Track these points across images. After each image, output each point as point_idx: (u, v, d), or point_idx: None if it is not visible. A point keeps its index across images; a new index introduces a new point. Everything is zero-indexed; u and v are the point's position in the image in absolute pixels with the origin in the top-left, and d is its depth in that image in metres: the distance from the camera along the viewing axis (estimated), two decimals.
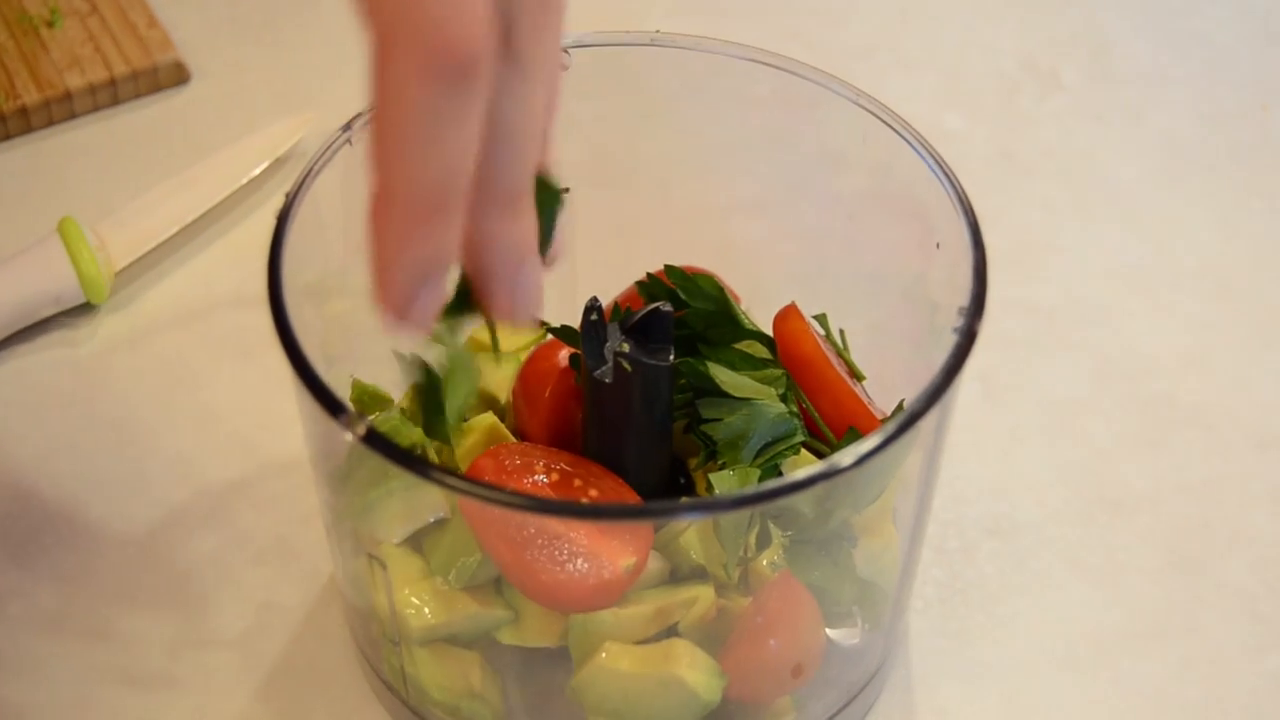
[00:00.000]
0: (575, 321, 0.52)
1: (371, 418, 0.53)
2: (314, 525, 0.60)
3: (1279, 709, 0.56)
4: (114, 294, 0.68)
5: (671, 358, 0.49)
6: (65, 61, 0.76)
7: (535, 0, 0.38)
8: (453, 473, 0.46)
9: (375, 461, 0.45)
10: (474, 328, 0.48)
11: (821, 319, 0.56)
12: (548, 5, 0.39)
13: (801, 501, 0.48)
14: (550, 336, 0.57)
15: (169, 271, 0.70)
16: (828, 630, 0.52)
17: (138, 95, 0.77)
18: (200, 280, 0.69)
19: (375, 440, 0.43)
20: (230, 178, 0.72)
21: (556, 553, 0.47)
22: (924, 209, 0.51)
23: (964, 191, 0.49)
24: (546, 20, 0.39)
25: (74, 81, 0.75)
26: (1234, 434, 0.64)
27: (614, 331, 0.50)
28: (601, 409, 0.50)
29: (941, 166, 0.50)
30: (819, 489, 0.43)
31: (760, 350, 0.53)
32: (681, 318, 0.53)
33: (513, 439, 0.53)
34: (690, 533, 0.49)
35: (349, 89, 0.61)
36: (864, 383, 0.56)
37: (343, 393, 0.53)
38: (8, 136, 0.75)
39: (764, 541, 0.49)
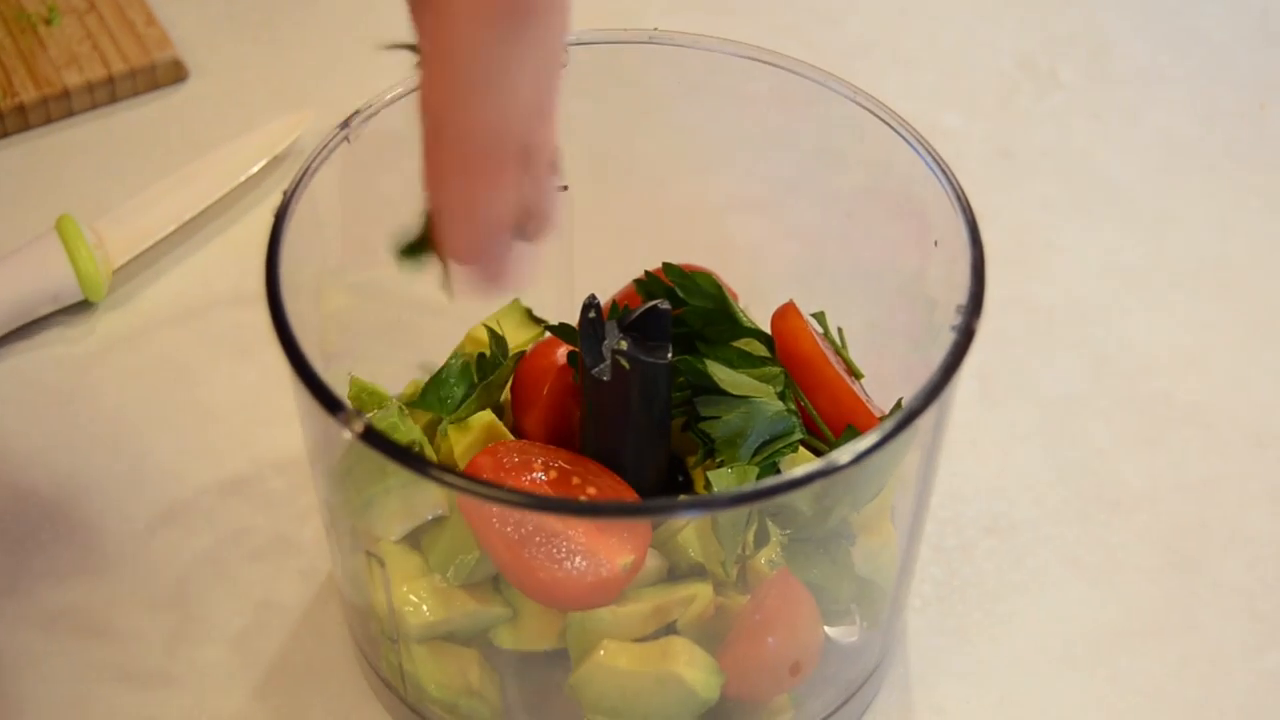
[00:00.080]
0: (573, 319, 0.52)
1: (369, 415, 0.53)
2: (312, 523, 0.60)
3: (1277, 707, 0.56)
4: (112, 292, 0.68)
5: (669, 355, 0.49)
6: (63, 59, 0.76)
7: None
8: (451, 470, 0.46)
9: (373, 459, 0.45)
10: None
11: (819, 317, 0.56)
12: None
13: (800, 499, 0.48)
14: (548, 334, 0.57)
15: (167, 269, 0.70)
16: (826, 628, 0.52)
17: (135, 93, 0.77)
18: (198, 278, 0.69)
19: (373, 438, 0.43)
20: (228, 175, 0.72)
21: (554, 550, 0.47)
22: (922, 207, 0.51)
23: (962, 190, 0.49)
24: None
25: (72, 79, 0.75)
26: (1232, 433, 0.64)
27: (612, 329, 0.50)
28: (600, 407, 0.51)
29: (940, 165, 0.50)
30: (817, 487, 0.43)
31: (758, 348, 0.53)
32: (679, 315, 0.53)
33: (511, 437, 0.53)
34: (688, 530, 0.49)
35: (347, 87, 0.61)
36: (862, 381, 0.56)
37: (341, 390, 0.53)
38: (5, 134, 0.75)
39: (762, 539, 0.49)
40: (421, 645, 0.50)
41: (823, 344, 0.54)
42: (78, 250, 0.66)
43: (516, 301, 0.59)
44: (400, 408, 0.52)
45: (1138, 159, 0.77)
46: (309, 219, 0.49)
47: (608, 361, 0.49)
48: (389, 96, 0.51)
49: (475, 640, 0.51)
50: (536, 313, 0.59)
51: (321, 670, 0.56)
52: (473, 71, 0.37)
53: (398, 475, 0.48)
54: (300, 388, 0.44)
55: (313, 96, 0.77)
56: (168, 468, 0.62)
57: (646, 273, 0.55)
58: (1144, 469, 0.63)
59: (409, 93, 0.51)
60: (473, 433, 0.52)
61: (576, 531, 0.47)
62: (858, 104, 0.53)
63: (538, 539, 0.47)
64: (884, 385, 0.55)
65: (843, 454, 0.42)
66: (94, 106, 0.76)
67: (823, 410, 0.53)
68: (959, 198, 0.49)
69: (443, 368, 0.54)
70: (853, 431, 0.51)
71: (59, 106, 0.75)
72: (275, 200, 0.49)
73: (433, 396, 0.53)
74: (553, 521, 0.47)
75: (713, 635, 0.49)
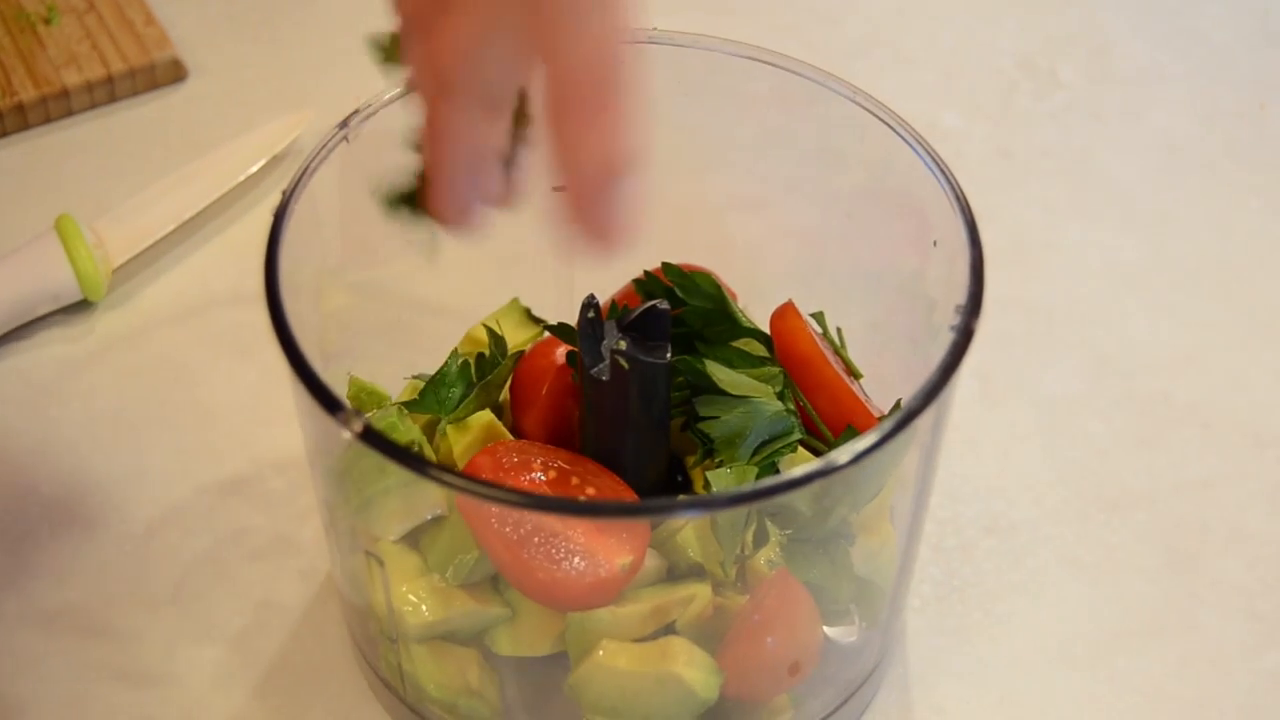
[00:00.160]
0: (572, 319, 0.52)
1: (369, 415, 0.53)
2: (311, 522, 0.60)
3: (1276, 707, 0.56)
4: (111, 291, 0.68)
5: (669, 355, 0.49)
6: (62, 59, 0.76)
7: None
8: (450, 470, 0.46)
9: (373, 459, 0.45)
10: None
11: (819, 317, 0.56)
12: None
13: (799, 499, 0.48)
14: (547, 334, 0.57)
15: (166, 269, 0.70)
16: (825, 628, 0.52)
17: (135, 93, 0.77)
18: (197, 277, 0.69)
19: (373, 437, 0.43)
20: (227, 175, 0.72)
21: (553, 551, 0.47)
22: (921, 207, 0.51)
23: (961, 190, 0.49)
24: None
25: (71, 79, 0.75)
26: (1231, 433, 0.64)
27: (611, 329, 0.49)
28: (599, 407, 0.50)
29: (939, 165, 0.50)
30: (816, 487, 0.43)
31: (757, 348, 0.53)
32: (679, 315, 0.53)
33: (510, 436, 0.53)
34: (687, 530, 0.49)
35: (346, 87, 0.61)
36: (861, 381, 0.56)
37: (340, 390, 0.53)
38: (4, 134, 0.75)
39: (761, 539, 0.49)
40: (421, 645, 0.50)
41: (822, 344, 0.54)
42: (77, 250, 0.66)
43: (516, 301, 0.59)
44: (399, 407, 0.52)
45: (1138, 159, 0.77)
46: (308, 219, 0.49)
47: (607, 361, 0.49)
48: (388, 96, 0.51)
49: (475, 640, 0.51)
50: (535, 312, 0.59)
51: (321, 670, 0.56)
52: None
53: (397, 475, 0.48)
54: (299, 387, 0.44)
55: (312, 96, 0.77)
56: (167, 468, 0.62)
57: (646, 272, 0.55)
58: (1143, 469, 0.63)
59: (408, 91, 0.51)
60: (472, 432, 0.52)
61: (575, 531, 0.47)
62: (857, 104, 0.53)
63: (537, 539, 0.47)
64: (883, 385, 0.55)
65: (842, 454, 0.42)
66: (93, 106, 0.76)
67: (822, 410, 0.53)
68: (958, 198, 0.49)
69: (442, 368, 0.54)
70: (852, 432, 0.51)
71: (58, 106, 0.75)
72: (274, 200, 0.49)
73: (431, 396, 0.53)
74: (552, 521, 0.47)
75: (712, 635, 0.49)
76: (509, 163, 0.42)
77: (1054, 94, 0.80)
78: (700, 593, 0.49)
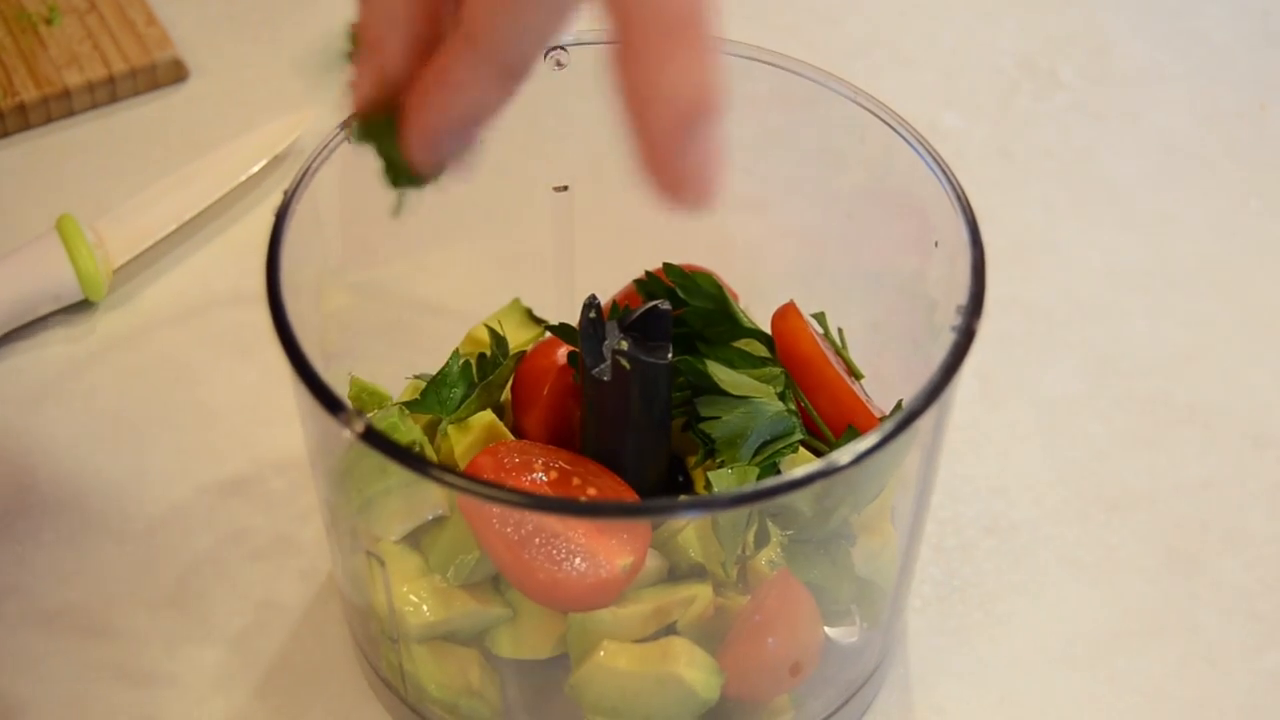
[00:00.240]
0: (574, 319, 0.52)
1: (370, 415, 0.53)
2: (312, 522, 0.60)
3: (1276, 707, 0.56)
4: (112, 291, 0.68)
5: (670, 356, 0.49)
6: (63, 59, 0.76)
7: None
8: (451, 470, 0.46)
9: (374, 459, 0.45)
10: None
11: (820, 317, 0.56)
12: None
13: (800, 500, 0.48)
14: (549, 334, 0.57)
15: (167, 269, 0.70)
16: (826, 628, 0.52)
17: (136, 93, 0.77)
18: (199, 278, 0.69)
19: (374, 438, 0.43)
20: (229, 175, 0.72)
21: (554, 551, 0.47)
22: (922, 207, 0.51)
23: (963, 190, 0.49)
24: None
25: (72, 79, 0.75)
26: (1231, 433, 0.64)
27: (612, 329, 0.50)
28: (600, 407, 0.51)
29: (940, 165, 0.50)
30: (817, 487, 0.43)
31: (759, 348, 0.53)
32: (680, 316, 0.53)
33: (511, 437, 0.53)
34: (688, 531, 0.49)
35: (347, 87, 0.61)
36: (862, 381, 0.56)
37: (341, 390, 0.53)
38: (6, 134, 0.75)
39: (762, 540, 0.49)
40: (422, 645, 0.50)
41: (823, 344, 0.54)
42: (78, 250, 0.66)
43: (517, 301, 0.59)
44: (400, 408, 0.52)
45: (1138, 159, 0.77)
46: (309, 219, 0.49)
47: (608, 362, 0.49)
48: None
49: (475, 640, 0.51)
50: (537, 313, 0.59)
51: (322, 670, 0.56)
52: None
53: (398, 475, 0.48)
54: (301, 388, 0.44)
55: (313, 96, 0.77)
56: (168, 467, 0.62)
57: (647, 273, 0.55)
58: (1143, 469, 0.63)
59: None
60: (473, 433, 0.52)
61: (576, 532, 0.47)
62: (858, 104, 0.53)
63: (538, 539, 0.47)
64: (884, 386, 0.55)
65: (843, 454, 0.42)
66: (94, 106, 0.76)
67: (823, 411, 0.53)
68: (959, 198, 0.49)
69: (443, 368, 0.54)
70: (853, 432, 0.51)
71: (59, 106, 0.75)
72: (276, 200, 0.49)
73: (433, 397, 0.53)
74: (553, 522, 0.47)
75: (713, 636, 0.49)
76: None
77: (1054, 94, 0.80)
78: (701, 593, 0.49)
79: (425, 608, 0.49)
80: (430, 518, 0.50)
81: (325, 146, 0.50)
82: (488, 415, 0.53)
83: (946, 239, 0.49)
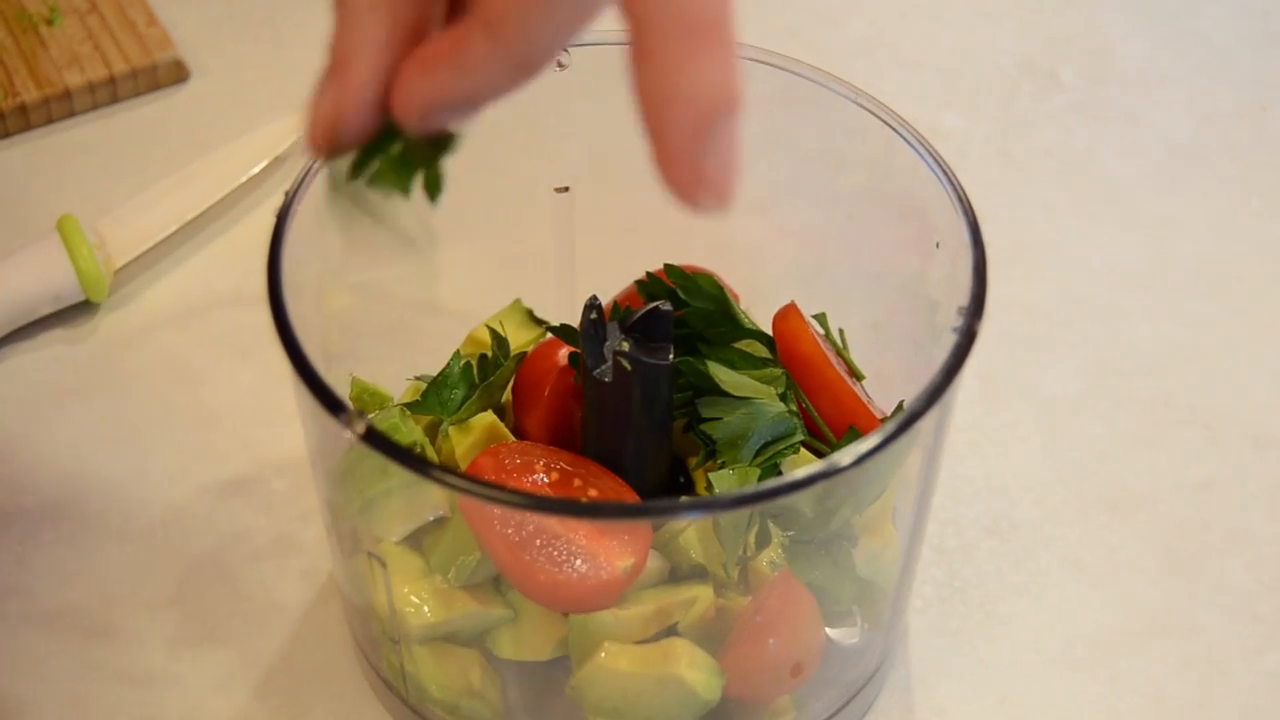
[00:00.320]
0: (575, 320, 0.52)
1: (371, 416, 0.53)
2: (313, 523, 0.60)
3: (1277, 708, 0.56)
4: (113, 292, 0.68)
5: (671, 357, 0.49)
6: (64, 59, 0.76)
7: None
8: (452, 471, 0.46)
9: (375, 460, 0.45)
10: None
11: (821, 318, 0.56)
12: None
13: (801, 501, 0.48)
14: (550, 335, 0.57)
15: (168, 269, 0.70)
16: (827, 629, 0.52)
17: (137, 93, 0.77)
18: (200, 278, 0.69)
19: (375, 438, 0.43)
20: (230, 176, 0.72)
21: (555, 553, 0.47)
22: (924, 208, 0.51)
23: (964, 191, 0.49)
24: None
25: (73, 79, 0.75)
26: (1232, 433, 0.64)
27: (613, 330, 0.50)
28: (601, 408, 0.51)
29: (941, 166, 0.50)
30: (819, 488, 0.43)
31: (760, 349, 0.53)
32: (681, 317, 0.53)
33: (512, 438, 0.53)
34: (690, 532, 0.49)
35: None
36: (863, 382, 0.56)
37: (342, 391, 0.53)
38: (7, 134, 0.75)
39: (764, 541, 0.49)
40: (423, 646, 0.50)
41: (824, 345, 0.54)
42: (79, 250, 0.66)
43: (518, 302, 0.59)
44: (401, 409, 0.52)
45: (1139, 160, 0.77)
46: (310, 219, 0.49)
47: (609, 363, 0.49)
48: None
49: (476, 641, 0.51)
50: (538, 314, 0.59)
51: (322, 671, 0.56)
52: None
53: (399, 476, 0.48)
54: (302, 388, 0.44)
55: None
56: (169, 468, 0.62)
57: (648, 274, 0.55)
58: (1145, 470, 0.63)
59: None
60: (474, 434, 0.52)
61: (578, 533, 0.47)
62: (859, 105, 0.53)
63: (539, 541, 0.47)
64: (885, 387, 0.55)
65: (845, 455, 0.42)
66: (95, 107, 0.76)
67: (824, 412, 0.53)
68: (960, 199, 0.49)
69: (444, 369, 0.54)
70: (855, 433, 0.51)
71: (60, 106, 0.75)
72: (277, 201, 0.49)
73: (434, 398, 0.53)
74: (554, 523, 0.47)
75: (714, 637, 0.49)
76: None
77: (1055, 95, 0.80)
78: (702, 594, 0.49)
79: (426, 609, 0.49)
80: (431, 519, 0.50)
81: None
82: (489, 416, 0.53)
83: (947, 240, 0.49)
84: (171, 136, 0.75)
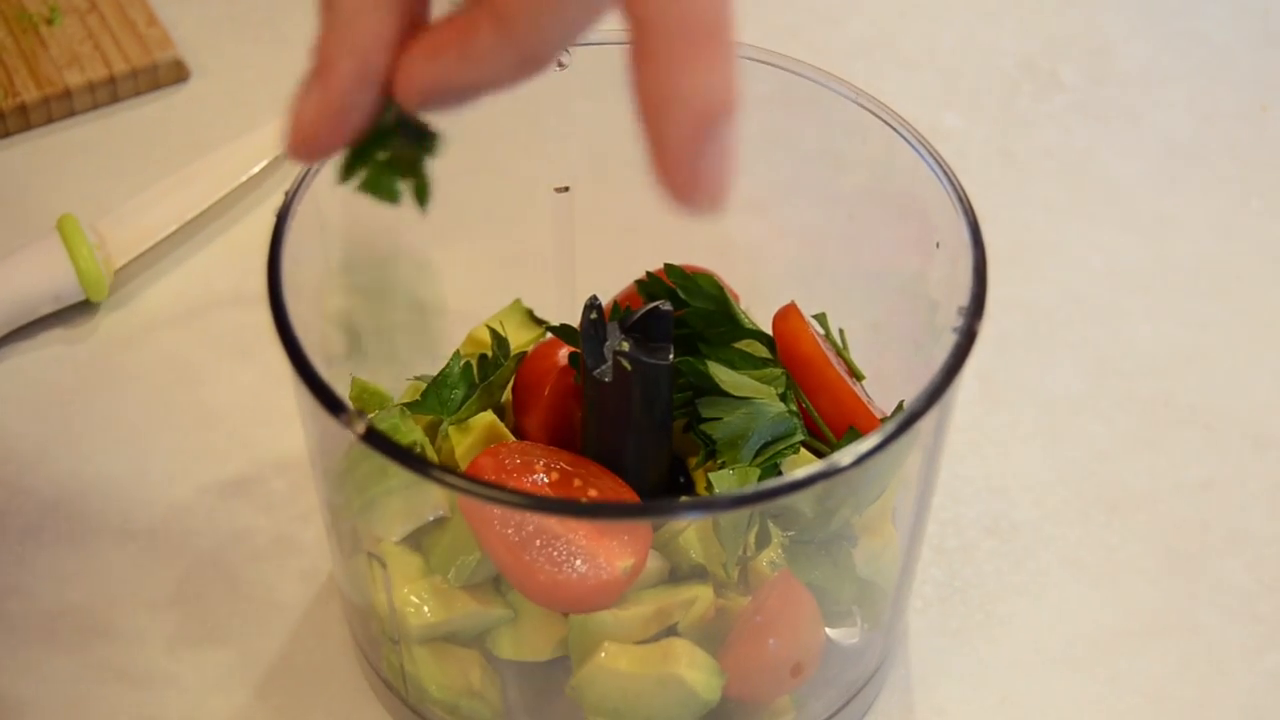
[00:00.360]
0: (575, 320, 0.52)
1: (371, 416, 0.53)
2: (313, 523, 0.60)
3: (1277, 708, 0.56)
4: (113, 292, 0.68)
5: (671, 357, 0.49)
6: (64, 59, 0.76)
7: None
8: (452, 471, 0.46)
9: (375, 460, 0.45)
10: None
11: (821, 318, 0.56)
12: None
13: (801, 501, 0.48)
14: (550, 335, 0.57)
15: (168, 269, 0.70)
16: (827, 629, 0.52)
17: (137, 93, 0.77)
18: (200, 278, 0.69)
19: (375, 438, 0.43)
20: (230, 175, 0.72)
21: (555, 553, 0.47)
22: (924, 208, 0.51)
23: (964, 191, 0.49)
24: None
25: (73, 79, 0.75)
26: (1232, 434, 0.64)
27: (613, 330, 0.50)
28: (601, 408, 0.51)
29: (941, 166, 0.50)
30: (819, 488, 0.43)
31: (760, 349, 0.53)
32: (681, 317, 0.53)
33: (512, 438, 0.53)
34: (690, 532, 0.49)
35: None
36: (863, 382, 0.56)
37: (342, 391, 0.53)
38: (7, 134, 0.75)
39: (764, 541, 0.49)
40: (423, 646, 0.50)
41: (824, 345, 0.54)
42: (79, 250, 0.66)
43: (518, 302, 0.59)
44: (401, 409, 0.52)
45: (1139, 160, 0.77)
46: (311, 219, 0.49)
47: (609, 363, 0.49)
48: None
49: (476, 641, 0.51)
50: (538, 313, 0.59)
51: (322, 671, 0.56)
52: None
53: (399, 476, 0.48)
54: (302, 388, 0.44)
55: None
56: (169, 468, 0.62)
57: (648, 273, 0.55)
58: (1145, 470, 0.63)
59: None
60: (474, 434, 0.52)
61: (578, 533, 0.47)
62: (859, 105, 0.53)
63: (539, 541, 0.47)
64: (885, 387, 0.55)
65: (845, 456, 0.42)
66: (95, 106, 0.76)
67: (824, 412, 0.53)
68: (960, 199, 0.49)
69: (444, 369, 0.54)
70: (855, 433, 0.51)
71: (60, 106, 0.75)
72: (277, 200, 0.49)
73: (434, 397, 0.53)
74: (554, 523, 0.47)
75: (714, 637, 0.49)
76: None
77: (1055, 95, 0.80)
78: (702, 594, 0.49)
79: (426, 609, 0.49)
80: (431, 519, 0.50)
81: None
82: (489, 416, 0.53)
83: (948, 240, 0.49)
84: (171, 136, 0.75)
